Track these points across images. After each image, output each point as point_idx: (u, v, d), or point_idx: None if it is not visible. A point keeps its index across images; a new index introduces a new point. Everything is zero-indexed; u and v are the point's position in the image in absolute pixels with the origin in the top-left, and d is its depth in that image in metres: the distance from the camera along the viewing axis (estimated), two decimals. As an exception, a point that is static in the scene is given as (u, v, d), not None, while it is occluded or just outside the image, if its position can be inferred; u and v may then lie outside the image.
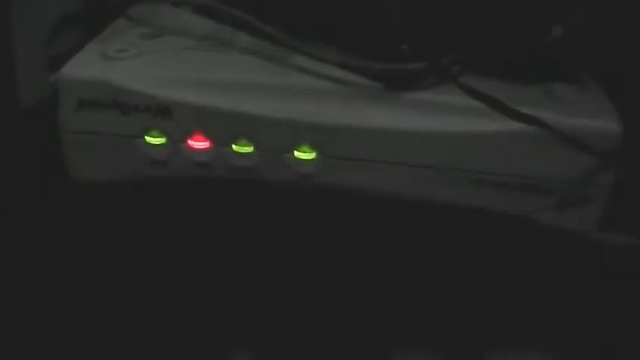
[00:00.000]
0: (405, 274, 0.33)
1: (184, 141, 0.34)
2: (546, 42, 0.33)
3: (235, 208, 0.34)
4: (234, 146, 0.34)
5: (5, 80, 0.39)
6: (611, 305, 0.33)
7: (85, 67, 0.34)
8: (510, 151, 0.33)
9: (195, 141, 0.34)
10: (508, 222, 0.34)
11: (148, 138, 0.34)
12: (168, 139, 0.34)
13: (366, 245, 0.34)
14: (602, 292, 0.33)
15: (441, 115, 0.33)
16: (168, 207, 0.35)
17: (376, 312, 0.32)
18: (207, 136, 0.34)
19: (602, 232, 0.34)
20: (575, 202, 0.34)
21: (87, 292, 0.32)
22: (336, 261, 0.33)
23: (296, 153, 0.33)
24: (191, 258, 0.33)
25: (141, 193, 0.35)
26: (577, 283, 0.34)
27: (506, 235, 0.34)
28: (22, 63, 0.41)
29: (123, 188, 0.35)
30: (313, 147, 0.33)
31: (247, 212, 0.34)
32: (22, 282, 0.32)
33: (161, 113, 0.33)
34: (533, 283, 0.34)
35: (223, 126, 0.33)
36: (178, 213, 0.34)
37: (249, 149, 0.34)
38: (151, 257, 0.33)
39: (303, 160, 0.34)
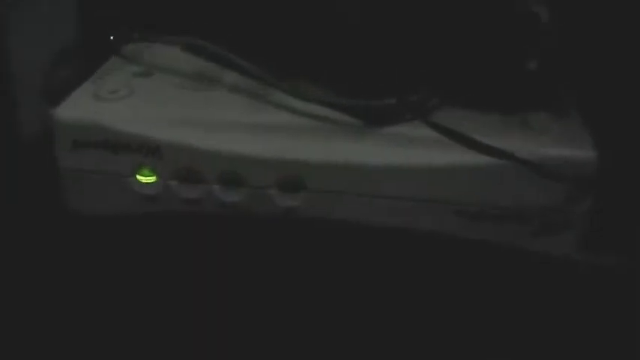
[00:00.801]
0: (389, 302, 0.34)
1: (174, 179, 0.35)
2: (521, 74, 0.34)
3: (225, 242, 0.36)
4: (221, 183, 0.35)
5: (5, 111, 0.41)
6: (594, 324, 0.34)
7: (78, 108, 0.35)
8: (489, 182, 0.34)
9: (185, 178, 0.35)
10: (490, 250, 0.35)
11: (139, 176, 0.35)
12: (159, 177, 0.35)
13: (351, 274, 0.35)
14: (584, 312, 0.34)
15: (419, 148, 0.34)
16: (160, 241, 0.36)
17: (361, 339, 0.33)
18: (196, 173, 0.35)
19: (582, 254, 0.35)
20: (555, 228, 0.35)
21: (79, 318, 0.33)
22: (321, 290, 0.34)
23: (280, 188, 0.35)
24: (182, 290, 0.34)
25: (134, 227, 0.36)
26: (560, 304, 0.34)
27: (488, 263, 0.35)
28: (23, 94, 0.43)
29: (117, 222, 0.36)
30: (297, 182, 0.34)
31: (237, 246, 0.35)
32: (17, 307, 0.33)
33: (151, 152, 0.35)
34: (517, 307, 0.34)
35: (211, 164, 0.34)
36: (170, 247, 0.36)
37: (236, 186, 0.35)
38: (143, 289, 0.35)
39: (288, 194, 0.35)
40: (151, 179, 0.35)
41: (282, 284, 0.35)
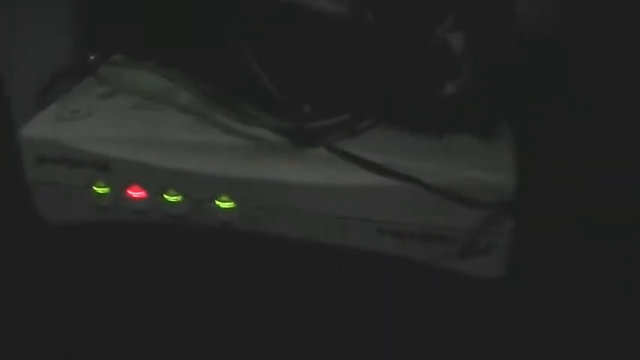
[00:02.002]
0: (316, 316, 0.36)
1: (124, 191, 0.38)
2: (441, 98, 0.35)
3: (169, 249, 0.39)
4: (165, 196, 0.38)
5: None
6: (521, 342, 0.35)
7: (41, 127, 0.39)
8: (412, 202, 0.35)
9: (133, 191, 0.38)
10: (415, 268, 0.37)
11: (94, 188, 0.39)
12: (112, 189, 0.39)
13: (280, 286, 0.37)
14: (510, 335, 0.35)
15: (345, 168, 0.36)
16: (113, 248, 0.39)
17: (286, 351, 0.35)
18: (143, 187, 0.38)
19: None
20: (478, 249, 0.36)
21: (46, 316, 0.37)
22: (251, 300, 0.37)
23: (217, 202, 0.37)
24: (132, 291, 0.38)
25: (91, 233, 0.40)
26: (482, 324, 0.35)
27: (413, 281, 0.37)
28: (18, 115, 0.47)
29: (78, 228, 0.40)
30: (231, 197, 0.37)
31: (177, 253, 0.39)
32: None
33: (102, 167, 0.38)
34: (439, 326, 0.35)
35: (155, 178, 0.38)
36: (121, 254, 0.39)
37: (178, 199, 0.38)
38: (96, 288, 0.38)
39: (224, 208, 0.37)
40: (105, 190, 0.39)
41: (217, 292, 0.37)
